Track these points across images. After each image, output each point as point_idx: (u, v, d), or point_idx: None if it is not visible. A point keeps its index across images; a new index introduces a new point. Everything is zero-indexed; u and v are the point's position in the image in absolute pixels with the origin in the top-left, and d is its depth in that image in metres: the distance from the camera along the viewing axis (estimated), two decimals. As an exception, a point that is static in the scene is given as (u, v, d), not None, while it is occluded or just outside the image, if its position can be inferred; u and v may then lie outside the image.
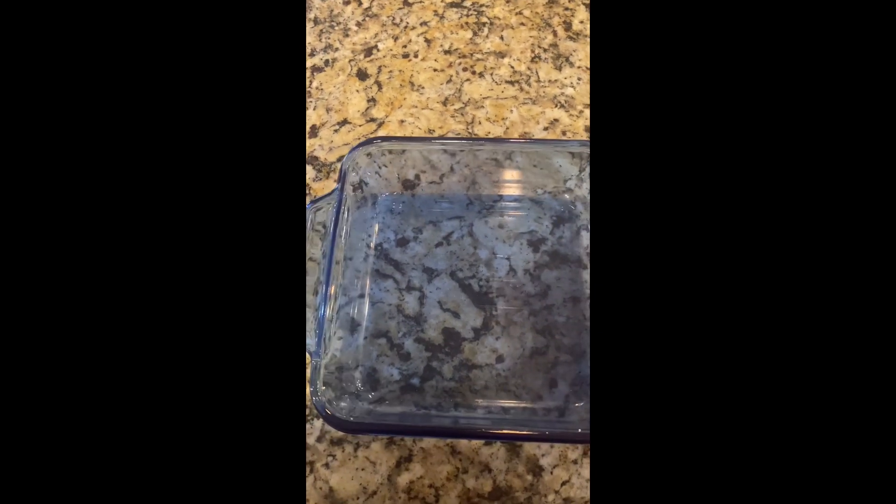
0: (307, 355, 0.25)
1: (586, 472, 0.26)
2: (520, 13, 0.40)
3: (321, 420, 0.27)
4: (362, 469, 0.26)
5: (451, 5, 0.40)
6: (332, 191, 0.28)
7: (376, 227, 0.32)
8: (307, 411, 0.28)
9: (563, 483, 0.26)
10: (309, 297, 0.27)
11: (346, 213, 0.29)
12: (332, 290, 0.27)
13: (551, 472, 0.26)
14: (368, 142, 0.29)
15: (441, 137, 0.34)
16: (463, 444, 0.27)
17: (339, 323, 0.29)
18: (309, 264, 0.27)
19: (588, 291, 0.29)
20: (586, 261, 0.30)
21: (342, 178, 0.28)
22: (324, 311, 0.25)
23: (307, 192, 0.34)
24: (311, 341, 0.24)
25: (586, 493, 0.25)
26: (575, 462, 0.26)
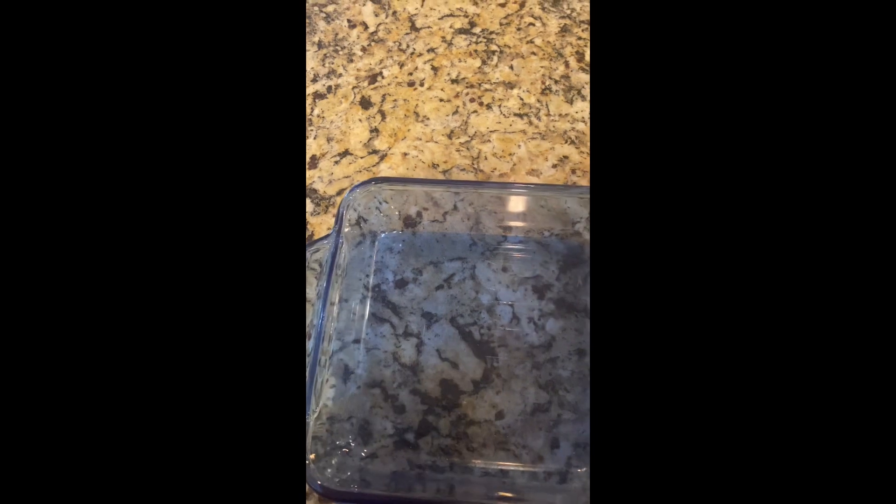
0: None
1: (588, 544, 0.24)
2: (531, 42, 0.38)
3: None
4: (350, 531, 0.25)
5: (460, 31, 0.39)
6: (328, 234, 0.27)
7: (374, 267, 0.30)
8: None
9: (564, 555, 0.24)
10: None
11: (342, 253, 0.28)
12: (328, 331, 0.26)
13: (551, 543, 0.24)
14: (365, 183, 0.28)
15: (442, 182, 0.33)
16: (458, 507, 0.25)
17: (331, 370, 0.28)
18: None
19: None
20: (594, 310, 0.29)
21: (339, 221, 0.27)
22: (316, 358, 0.24)
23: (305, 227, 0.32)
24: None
25: (588, 567, 0.24)
26: (576, 532, 0.25)
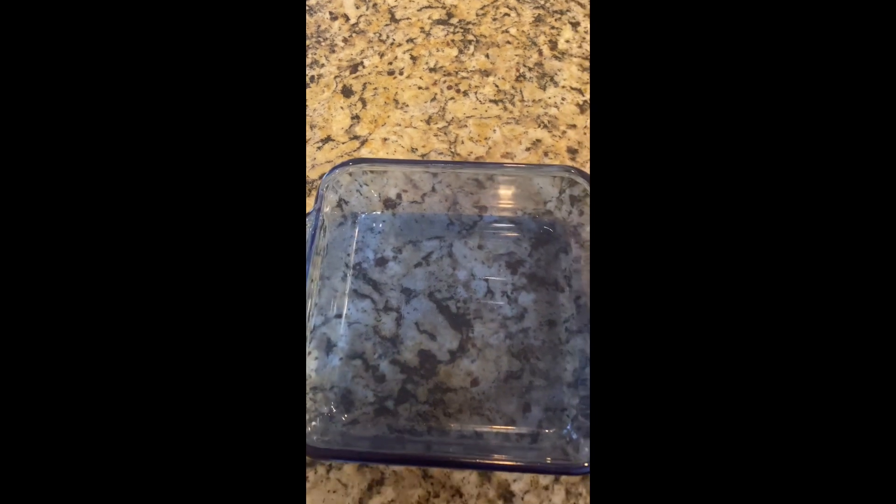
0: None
1: (557, 499, 0.26)
2: (506, 31, 0.40)
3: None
4: (334, 491, 0.26)
5: (438, 22, 0.40)
6: (310, 212, 0.28)
7: (355, 246, 0.32)
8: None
9: (534, 509, 0.26)
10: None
11: (324, 232, 0.30)
12: (310, 307, 0.28)
13: (522, 499, 0.26)
14: (345, 164, 0.29)
15: (420, 162, 0.34)
16: (435, 468, 0.27)
17: (315, 343, 0.29)
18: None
19: (564, 315, 0.29)
20: (563, 284, 0.30)
21: (319, 201, 0.28)
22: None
23: (288, 209, 0.34)
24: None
25: (557, 520, 0.25)
26: (546, 488, 0.26)
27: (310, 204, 0.33)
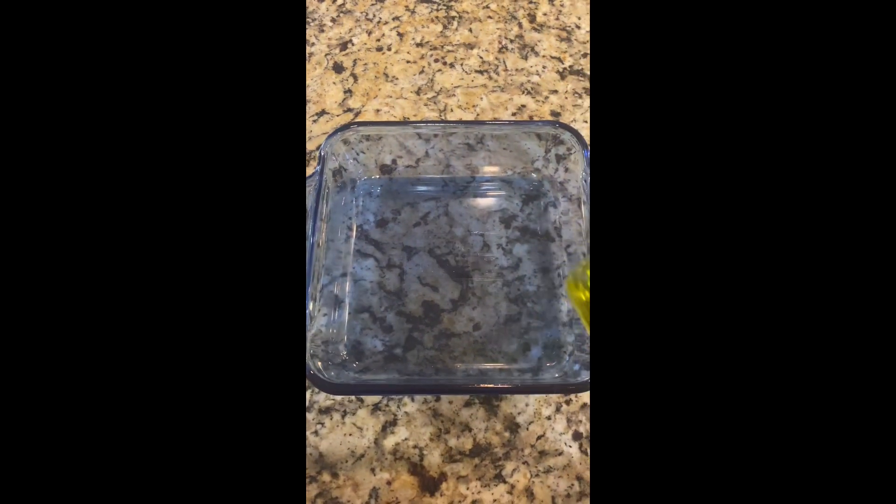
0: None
1: (560, 426, 0.28)
2: (487, 7, 0.42)
3: (309, 391, 0.29)
4: (350, 434, 0.28)
5: (422, 0, 0.42)
6: (312, 174, 0.29)
7: (356, 210, 0.33)
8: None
9: (539, 437, 0.28)
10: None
11: (326, 197, 0.31)
12: (316, 268, 0.29)
13: (527, 429, 0.28)
14: (345, 127, 0.31)
15: (417, 122, 0.36)
16: (444, 406, 0.28)
17: (323, 301, 0.30)
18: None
19: (556, 262, 0.31)
20: (554, 234, 0.32)
21: (321, 161, 0.30)
22: (307, 286, 0.26)
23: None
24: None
25: (560, 446, 0.27)
26: (549, 418, 0.28)
27: (309, 172, 0.35)
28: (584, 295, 0.22)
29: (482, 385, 0.26)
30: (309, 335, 0.26)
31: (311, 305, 0.27)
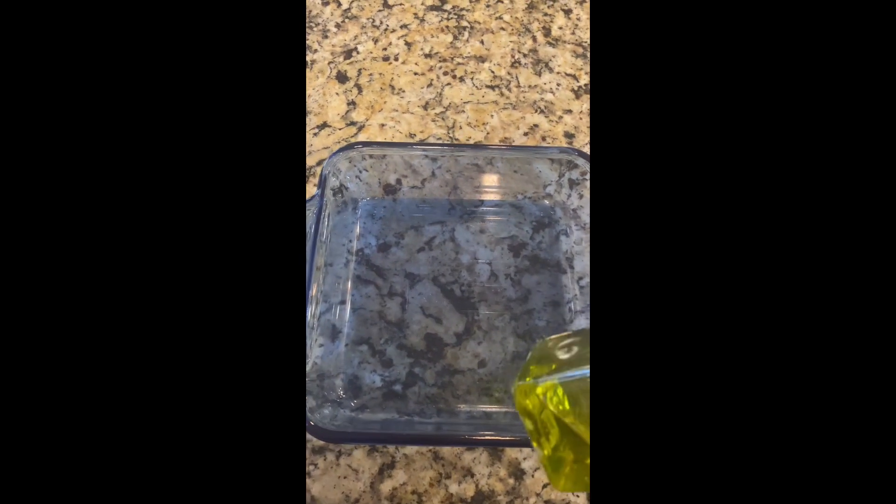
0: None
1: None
2: (500, 18, 0.40)
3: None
4: (345, 477, 0.26)
5: (432, 8, 0.40)
6: (313, 196, 0.28)
7: (357, 232, 0.31)
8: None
9: (545, 486, 0.26)
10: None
11: (326, 218, 0.29)
12: (314, 294, 0.27)
13: (532, 476, 0.26)
14: (350, 146, 0.29)
15: (423, 143, 0.34)
16: (445, 449, 0.27)
17: (319, 330, 0.29)
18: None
19: (567, 296, 0.30)
20: (566, 265, 0.31)
21: (322, 184, 0.28)
22: (306, 319, 0.25)
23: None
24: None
25: (567, 496, 0.26)
26: (556, 465, 0.27)
27: (310, 190, 0.33)
28: (538, 402, 0.15)
29: (481, 437, 0.24)
30: (306, 369, 0.24)
31: (309, 336, 0.25)
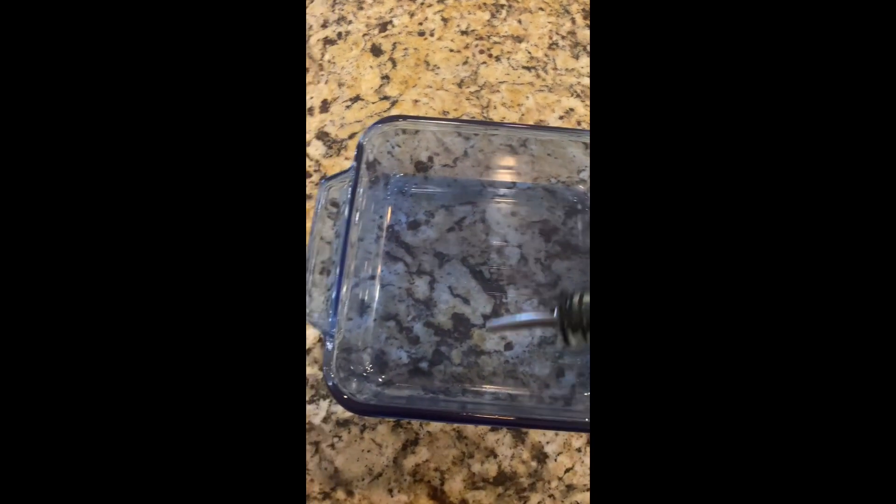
0: (323, 337, 0.24)
1: (589, 459, 0.26)
2: (538, -3, 0.39)
3: (327, 401, 0.27)
4: (368, 451, 0.26)
5: (469, -16, 0.39)
6: (348, 169, 0.27)
7: (389, 209, 0.31)
8: (314, 392, 0.27)
9: (567, 470, 0.26)
10: (316, 276, 0.26)
11: (359, 193, 0.29)
12: (350, 269, 0.27)
13: (555, 460, 0.26)
14: (391, 119, 0.29)
15: (461, 120, 0.33)
16: (469, 429, 0.27)
17: (348, 304, 0.28)
18: (319, 244, 0.27)
19: (598, 283, 0.30)
20: (597, 253, 0.30)
21: (359, 156, 0.27)
22: (338, 293, 0.25)
23: (318, 168, 0.33)
24: (325, 322, 0.24)
25: (589, 481, 0.26)
26: (579, 450, 0.27)
27: (339, 163, 0.33)
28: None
29: (508, 417, 0.24)
30: (336, 342, 0.24)
31: (340, 310, 0.25)
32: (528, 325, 0.25)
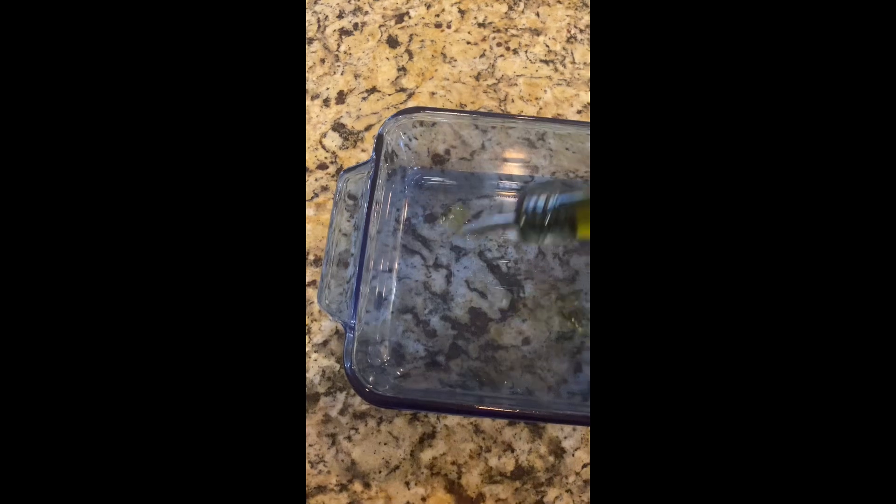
0: (344, 329, 0.24)
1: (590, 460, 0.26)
2: (556, -10, 0.39)
3: (344, 393, 0.27)
4: (385, 443, 0.26)
5: (486, -24, 0.39)
6: (366, 161, 0.27)
7: (406, 202, 0.31)
8: (331, 384, 0.27)
9: (584, 465, 0.26)
10: (334, 268, 0.26)
11: (377, 185, 0.29)
12: (368, 262, 0.27)
13: (573, 455, 0.26)
14: (410, 111, 0.28)
15: (481, 113, 0.33)
16: (486, 422, 0.27)
17: (365, 297, 0.28)
18: (337, 235, 0.27)
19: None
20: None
21: (378, 148, 0.27)
22: (358, 285, 0.24)
23: (334, 160, 0.33)
24: (344, 314, 0.24)
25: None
26: (596, 446, 0.26)
27: (356, 155, 0.32)
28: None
29: (527, 412, 0.24)
30: (356, 334, 0.24)
31: (360, 302, 0.25)
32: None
